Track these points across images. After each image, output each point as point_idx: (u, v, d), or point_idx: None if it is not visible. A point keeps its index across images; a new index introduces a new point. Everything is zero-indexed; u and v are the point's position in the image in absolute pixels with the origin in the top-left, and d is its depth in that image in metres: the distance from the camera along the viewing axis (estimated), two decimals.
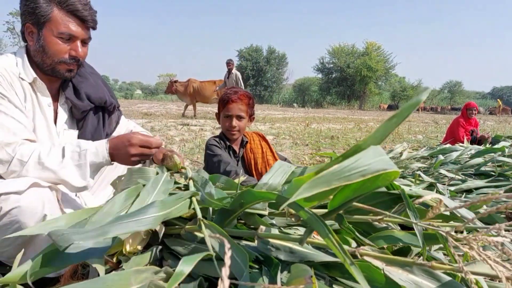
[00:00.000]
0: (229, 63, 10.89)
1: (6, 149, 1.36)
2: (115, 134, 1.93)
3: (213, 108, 17.89)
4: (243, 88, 8.95)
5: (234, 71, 10.85)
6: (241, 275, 0.79)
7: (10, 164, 1.35)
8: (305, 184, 0.57)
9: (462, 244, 0.72)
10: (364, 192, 0.77)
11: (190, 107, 13.62)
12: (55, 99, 1.67)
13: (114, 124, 1.91)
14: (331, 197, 0.81)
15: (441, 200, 0.85)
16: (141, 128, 2.05)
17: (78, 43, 1.54)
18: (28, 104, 1.53)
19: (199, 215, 1.02)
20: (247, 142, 2.39)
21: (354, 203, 0.89)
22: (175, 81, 13.47)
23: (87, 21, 1.54)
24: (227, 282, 0.49)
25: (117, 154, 1.46)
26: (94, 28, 1.60)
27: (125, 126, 2.03)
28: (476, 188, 2.60)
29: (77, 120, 1.73)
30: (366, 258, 0.81)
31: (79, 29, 1.53)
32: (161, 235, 1.14)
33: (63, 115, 1.68)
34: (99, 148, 1.45)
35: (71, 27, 1.50)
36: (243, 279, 0.77)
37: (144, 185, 1.23)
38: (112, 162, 1.49)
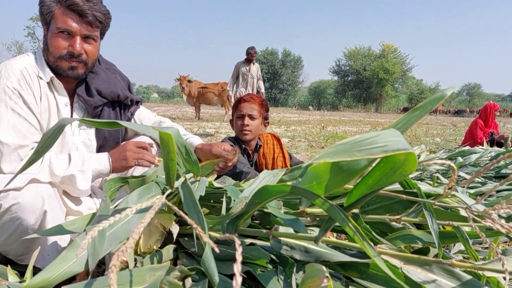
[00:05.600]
0: (254, 52, 7.92)
1: (18, 152, 1.42)
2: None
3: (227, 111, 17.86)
4: (263, 87, 8.51)
5: (256, 63, 8.22)
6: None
7: (19, 166, 1.40)
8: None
9: (484, 220, 0.69)
10: (380, 187, 0.75)
11: (205, 109, 13.38)
12: (72, 98, 1.68)
13: (129, 116, 1.91)
14: (347, 186, 0.79)
15: (454, 169, 0.82)
16: (170, 122, 2.02)
17: (78, 39, 1.51)
18: (44, 103, 1.55)
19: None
20: (260, 146, 2.38)
21: (380, 191, 0.86)
22: (184, 77, 12.75)
23: (86, 16, 1.49)
24: (239, 279, 0.48)
25: (117, 158, 1.55)
26: (95, 24, 1.54)
27: (147, 118, 1.99)
28: (497, 191, 2.53)
29: (93, 117, 1.72)
30: (384, 257, 0.79)
31: (77, 24, 1.49)
32: (175, 235, 1.13)
33: (78, 114, 1.69)
34: (100, 157, 1.54)
35: (69, 22, 1.48)
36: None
37: (157, 183, 1.23)
38: (111, 173, 1.56)
